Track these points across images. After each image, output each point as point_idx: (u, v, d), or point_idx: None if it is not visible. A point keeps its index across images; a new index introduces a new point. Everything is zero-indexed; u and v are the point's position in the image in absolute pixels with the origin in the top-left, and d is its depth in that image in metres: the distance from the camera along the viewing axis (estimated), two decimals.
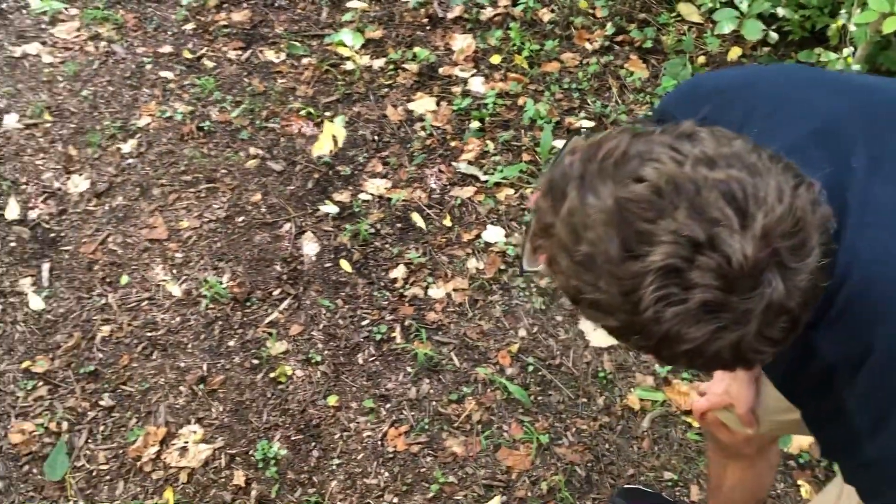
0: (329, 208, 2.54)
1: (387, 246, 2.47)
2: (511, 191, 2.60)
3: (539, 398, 2.14)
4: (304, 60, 2.99)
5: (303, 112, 2.80)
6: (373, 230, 2.49)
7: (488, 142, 2.73)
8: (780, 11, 2.90)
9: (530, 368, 2.20)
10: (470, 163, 2.67)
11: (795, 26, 2.94)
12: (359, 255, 2.44)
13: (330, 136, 2.71)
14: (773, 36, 2.95)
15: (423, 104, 2.84)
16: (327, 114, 2.81)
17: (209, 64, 2.98)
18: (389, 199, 2.56)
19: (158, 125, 2.78)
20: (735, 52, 2.99)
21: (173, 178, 2.64)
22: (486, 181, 2.62)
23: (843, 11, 2.76)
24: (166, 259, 2.44)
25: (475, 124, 2.78)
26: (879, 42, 2.60)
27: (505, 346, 2.25)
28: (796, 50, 2.94)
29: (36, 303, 2.33)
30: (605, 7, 3.17)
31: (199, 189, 2.61)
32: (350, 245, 2.46)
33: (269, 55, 3.01)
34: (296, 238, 2.48)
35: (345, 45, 3.01)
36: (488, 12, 3.17)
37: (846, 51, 2.72)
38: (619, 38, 3.07)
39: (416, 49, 3.02)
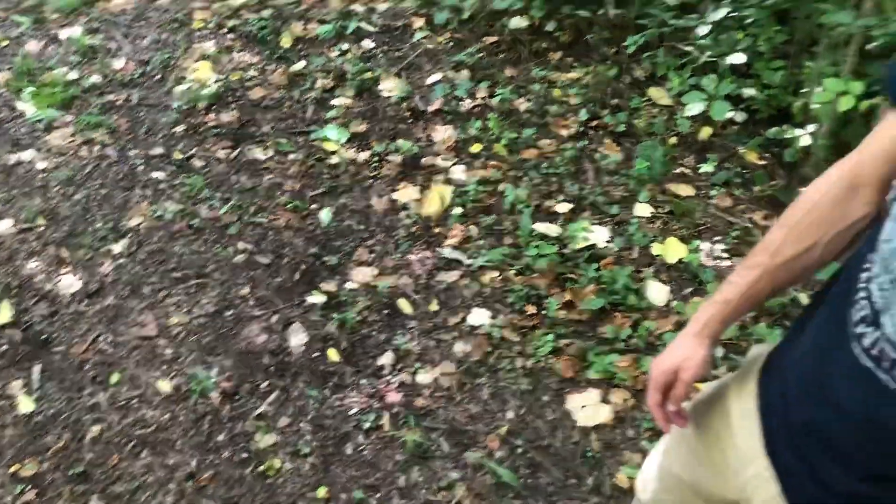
0: (316, 298, 2.58)
1: (374, 333, 2.50)
2: (495, 273, 2.65)
3: (529, 481, 2.14)
4: (291, 156, 3.09)
5: (290, 206, 2.88)
6: (360, 318, 2.53)
7: (471, 227, 2.80)
8: (747, 92, 3.02)
9: (519, 450, 2.20)
10: (454, 248, 2.73)
11: (762, 105, 3.06)
12: (346, 344, 2.47)
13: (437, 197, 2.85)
14: (741, 115, 3.07)
15: (406, 193, 2.92)
16: (314, 206, 2.89)
17: (199, 163, 3.07)
18: (376, 287, 2.61)
19: (150, 225, 2.85)
20: (706, 132, 3.09)
21: (163, 276, 2.69)
22: (471, 265, 2.67)
23: (804, 90, 2.89)
24: (156, 356, 2.46)
25: (458, 210, 2.85)
26: (841, 118, 2.71)
27: (493, 429, 2.25)
28: (765, 127, 3.05)
29: (26, 405, 2.34)
30: (579, 95, 3.29)
31: (188, 285, 2.66)
32: (338, 334, 2.49)
33: (257, 153, 3.11)
34: (283, 329, 2.52)
35: (330, 140, 3.11)
36: (467, 104, 3.29)
37: (811, 127, 2.83)
38: (594, 123, 3.18)
39: (400, 141, 3.12)
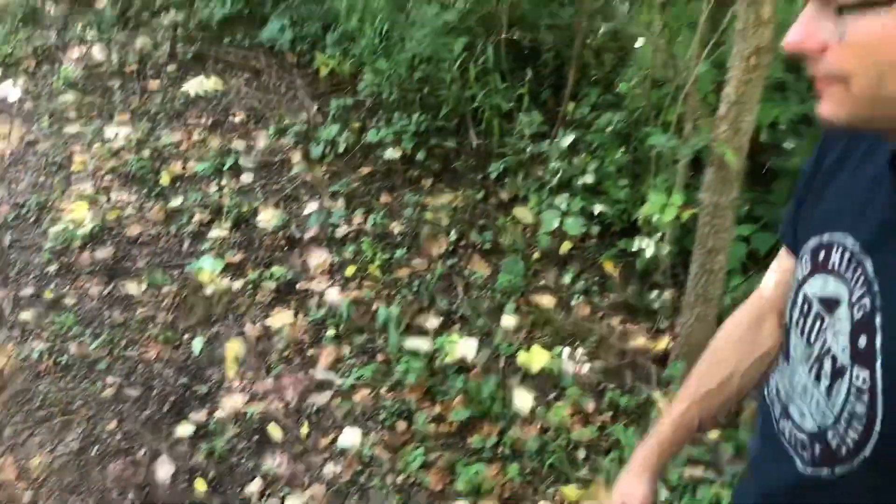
0: (185, 429, 2.56)
1: (242, 461, 2.48)
2: (367, 391, 2.70)
3: None
4: (165, 289, 3.12)
5: (161, 337, 2.89)
6: (228, 447, 2.52)
7: (344, 347, 2.87)
8: (598, 207, 3.26)
9: None
10: (326, 369, 2.78)
11: (615, 218, 3.30)
12: (214, 473, 2.44)
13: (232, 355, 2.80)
14: (596, 228, 3.30)
15: (280, 318, 2.98)
16: (186, 337, 2.91)
17: (70, 301, 3.07)
18: (246, 413, 2.61)
19: (14, 366, 2.80)
20: (566, 246, 3.30)
21: (27, 416, 2.63)
22: (342, 384, 2.72)
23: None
24: (13, 500, 2.37)
25: (331, 332, 2.92)
26: (682, 227, 2.95)
27: None
28: (619, 239, 3.28)
29: None
30: (449, 217, 3.48)
31: (52, 424, 2.60)
32: (205, 464, 2.47)
33: (131, 287, 3.13)
34: (150, 463, 2.48)
35: (205, 271, 3.17)
36: (343, 230, 3.43)
37: (656, 236, 3.06)
38: (462, 242, 3.35)
39: (274, 268, 3.21)
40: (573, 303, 3.07)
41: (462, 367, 2.77)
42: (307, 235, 3.40)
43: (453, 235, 3.37)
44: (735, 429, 2.47)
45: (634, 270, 3.16)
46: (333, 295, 3.10)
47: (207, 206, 3.52)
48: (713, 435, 2.50)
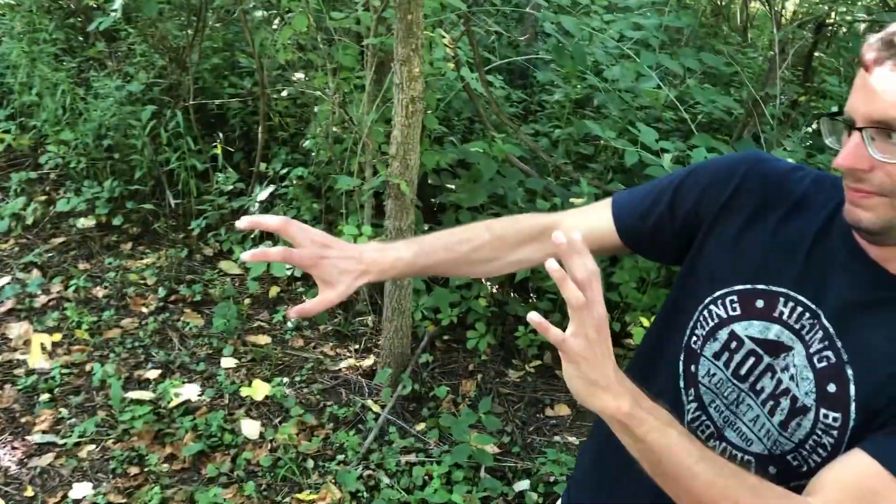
0: None
1: None
2: (92, 446, 2.71)
3: None
4: None
5: None
6: None
7: (62, 409, 2.84)
8: None
9: None
10: (45, 432, 2.74)
11: None
12: None
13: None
14: (299, 271, 3.63)
15: None
16: None
17: None
18: None
19: None
20: (275, 290, 3.58)
21: None
22: (66, 443, 2.70)
23: None
24: None
25: (45, 397, 2.87)
26: None
27: None
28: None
29: None
30: (154, 276, 3.58)
31: None
32: None
33: None
34: None
35: None
36: (42, 299, 3.36)
37: None
38: (172, 297, 3.48)
39: None
40: (287, 338, 3.35)
41: (188, 408, 2.90)
42: (2, 309, 3.29)
43: (162, 292, 3.48)
44: (438, 417, 2.92)
45: (339, 303, 3.52)
46: (41, 362, 3.04)
47: None
48: (420, 426, 2.92)
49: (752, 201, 1.07)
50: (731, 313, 1.05)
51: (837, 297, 0.99)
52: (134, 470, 2.64)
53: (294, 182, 3.69)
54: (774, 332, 1.02)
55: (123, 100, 3.87)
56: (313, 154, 3.69)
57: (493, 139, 3.40)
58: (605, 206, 1.22)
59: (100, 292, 3.46)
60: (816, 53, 4.40)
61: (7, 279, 3.45)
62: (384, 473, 2.71)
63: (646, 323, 2.89)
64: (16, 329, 3.18)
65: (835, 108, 3.35)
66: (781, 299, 1.02)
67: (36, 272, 3.52)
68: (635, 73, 3.35)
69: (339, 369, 3.20)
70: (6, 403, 2.83)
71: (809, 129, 3.95)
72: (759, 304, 1.04)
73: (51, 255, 3.64)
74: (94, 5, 4.47)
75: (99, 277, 3.55)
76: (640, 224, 1.17)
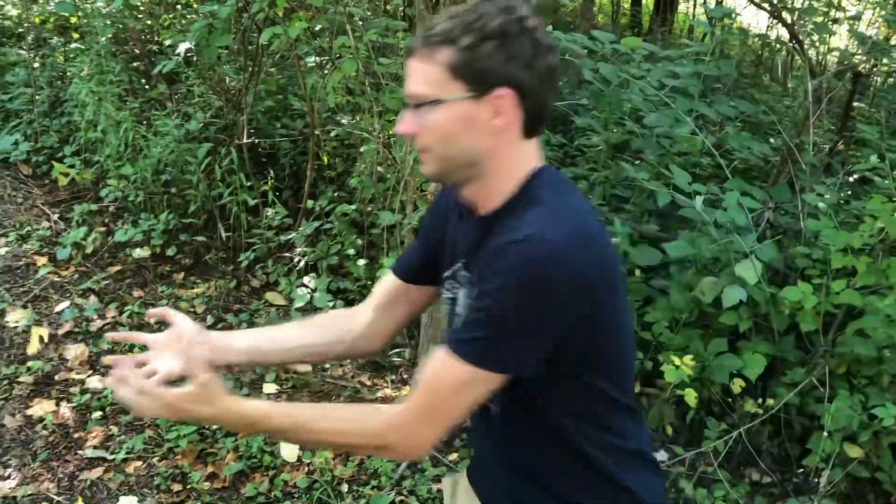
0: None
1: None
2: (139, 462, 2.84)
3: None
4: None
5: None
6: None
7: (112, 426, 2.99)
8: (343, 285, 3.74)
9: None
10: (95, 447, 2.88)
11: (357, 293, 3.79)
12: None
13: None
14: (340, 303, 3.76)
15: (42, 407, 3.03)
16: None
17: None
18: (16, 497, 2.64)
19: None
20: None
21: None
22: (114, 459, 2.84)
23: (378, 276, 3.67)
24: None
25: (97, 414, 3.03)
26: None
27: None
28: None
29: None
30: (203, 304, 3.75)
31: None
32: None
33: None
34: None
35: None
36: (98, 323, 3.55)
37: None
38: (219, 325, 3.63)
39: (30, 363, 3.24)
40: (327, 367, 3.47)
41: (230, 430, 3.02)
42: (61, 331, 3.47)
43: (210, 320, 3.64)
44: (470, 448, 2.99)
45: None
46: (94, 382, 3.21)
47: None
48: (452, 455, 3.00)
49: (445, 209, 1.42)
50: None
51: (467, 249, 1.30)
52: (177, 486, 2.76)
53: (339, 218, 3.84)
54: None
55: (181, 138, 4.10)
56: (358, 191, 3.85)
57: None
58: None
59: (152, 319, 3.62)
60: (855, 103, 4.45)
61: (66, 304, 3.64)
62: (416, 499, 2.78)
63: (677, 362, 2.94)
64: (72, 350, 3.36)
65: (874, 157, 3.38)
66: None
67: (93, 298, 3.71)
68: (673, 120, 3.45)
69: (376, 398, 3.30)
70: (62, 419, 2.99)
71: (850, 178, 3.99)
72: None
73: (107, 282, 3.83)
74: (158, 50, 4.75)
75: (152, 304, 3.73)
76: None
